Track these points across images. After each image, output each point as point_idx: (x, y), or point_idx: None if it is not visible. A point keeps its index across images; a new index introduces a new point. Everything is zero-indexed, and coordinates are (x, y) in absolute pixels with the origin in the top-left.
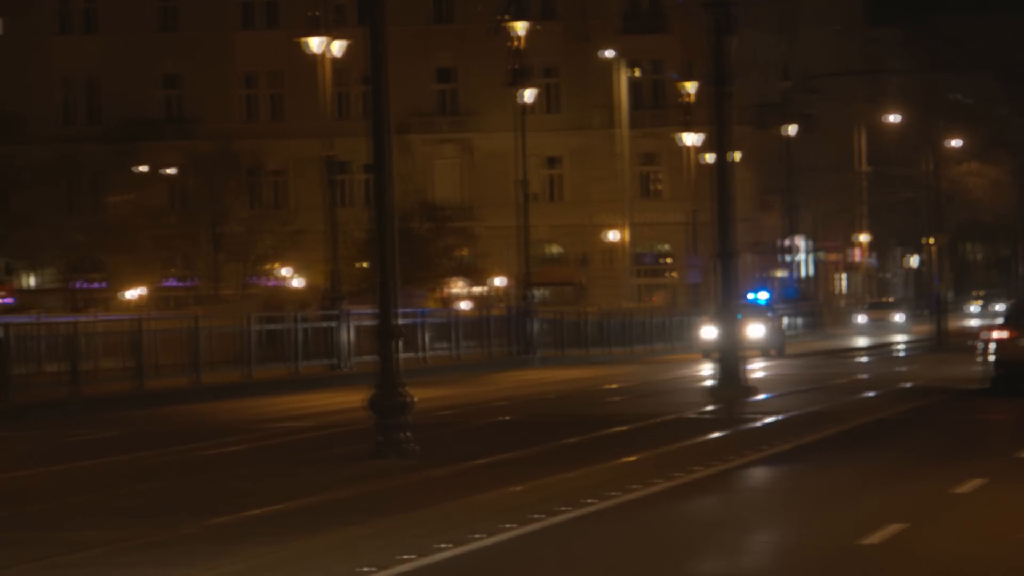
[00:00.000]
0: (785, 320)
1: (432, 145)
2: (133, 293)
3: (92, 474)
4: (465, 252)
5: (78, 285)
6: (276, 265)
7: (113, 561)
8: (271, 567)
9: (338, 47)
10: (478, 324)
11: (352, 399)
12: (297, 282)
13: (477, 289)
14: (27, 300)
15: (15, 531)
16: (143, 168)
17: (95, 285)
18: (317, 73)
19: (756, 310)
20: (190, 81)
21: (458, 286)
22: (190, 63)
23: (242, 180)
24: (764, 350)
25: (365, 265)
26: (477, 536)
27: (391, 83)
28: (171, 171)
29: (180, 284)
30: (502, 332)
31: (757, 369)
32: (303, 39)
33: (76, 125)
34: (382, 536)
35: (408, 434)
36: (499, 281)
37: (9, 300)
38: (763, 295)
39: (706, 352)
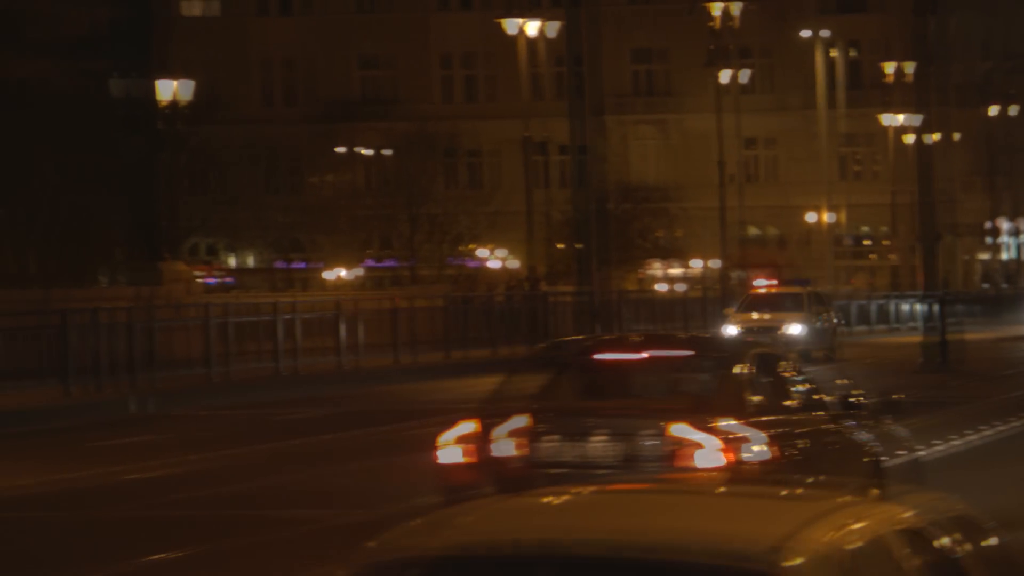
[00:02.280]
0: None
1: (631, 126)
2: (333, 273)
3: (297, 453)
4: (665, 233)
5: (279, 265)
6: (474, 246)
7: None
8: None
9: (535, 28)
10: (675, 305)
11: None
12: (495, 263)
13: (677, 270)
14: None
15: (221, 510)
16: (341, 149)
17: (295, 265)
18: (514, 54)
19: (796, 301)
20: (387, 63)
21: (658, 267)
22: (388, 45)
23: (439, 161)
24: (806, 352)
25: (563, 246)
26: None
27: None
28: (369, 152)
29: (379, 265)
30: (699, 313)
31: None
32: (501, 20)
33: (275, 107)
34: None
35: None
36: (699, 263)
37: (229, 280)
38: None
39: None
